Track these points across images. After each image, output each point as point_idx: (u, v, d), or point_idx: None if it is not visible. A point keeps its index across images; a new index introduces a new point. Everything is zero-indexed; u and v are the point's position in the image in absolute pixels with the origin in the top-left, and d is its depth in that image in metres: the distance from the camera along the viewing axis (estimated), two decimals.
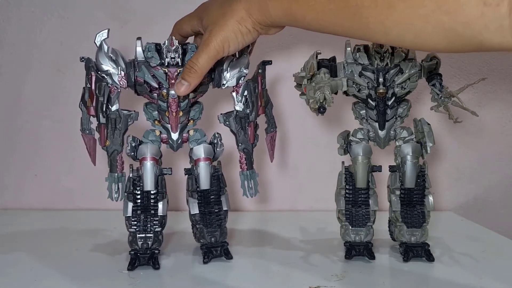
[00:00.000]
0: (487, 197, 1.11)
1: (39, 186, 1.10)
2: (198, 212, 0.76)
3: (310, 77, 0.75)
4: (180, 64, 0.72)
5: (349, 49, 0.76)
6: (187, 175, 0.78)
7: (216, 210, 0.77)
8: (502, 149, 1.08)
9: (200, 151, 0.75)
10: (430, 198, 0.77)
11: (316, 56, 0.75)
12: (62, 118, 1.07)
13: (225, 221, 0.78)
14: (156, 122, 0.76)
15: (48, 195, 1.10)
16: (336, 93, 0.76)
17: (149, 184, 0.73)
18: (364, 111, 0.77)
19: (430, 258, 0.75)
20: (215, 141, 0.76)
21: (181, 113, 0.74)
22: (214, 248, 0.76)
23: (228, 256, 0.76)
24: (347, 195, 0.78)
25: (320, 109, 0.70)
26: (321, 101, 0.70)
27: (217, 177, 0.77)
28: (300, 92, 0.77)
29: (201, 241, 0.77)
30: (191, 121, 0.76)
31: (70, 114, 1.05)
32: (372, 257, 0.76)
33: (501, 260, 0.78)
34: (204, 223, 0.77)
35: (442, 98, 0.74)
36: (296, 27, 0.68)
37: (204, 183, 0.75)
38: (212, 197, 0.77)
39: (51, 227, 0.96)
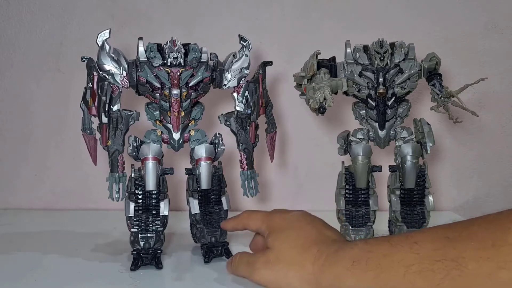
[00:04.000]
0: (487, 197, 1.11)
1: (39, 186, 1.10)
2: (199, 211, 0.76)
3: (310, 77, 0.75)
4: (182, 65, 0.73)
5: (349, 49, 0.76)
6: (187, 175, 0.78)
7: (216, 210, 0.77)
8: (502, 149, 1.08)
9: (202, 151, 0.75)
10: (430, 198, 0.77)
11: (316, 56, 0.75)
12: (62, 118, 1.07)
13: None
14: (157, 122, 0.76)
15: (48, 195, 1.10)
16: (336, 93, 0.76)
17: (151, 184, 0.73)
18: (364, 111, 0.77)
19: None
20: (216, 141, 0.77)
21: (183, 113, 0.74)
22: (215, 247, 0.77)
23: (228, 255, 0.76)
24: (347, 195, 0.78)
25: (320, 109, 0.70)
26: (321, 101, 0.70)
27: (217, 177, 0.77)
28: (300, 92, 0.78)
29: (202, 241, 0.77)
30: (192, 121, 0.76)
31: (70, 114, 1.05)
32: None
33: None
34: (205, 223, 0.77)
35: (442, 98, 0.74)
36: None
37: (205, 183, 0.75)
38: (212, 197, 0.77)
39: (51, 227, 0.96)
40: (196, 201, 0.77)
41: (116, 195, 0.73)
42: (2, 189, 1.11)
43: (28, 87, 1.08)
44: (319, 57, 0.76)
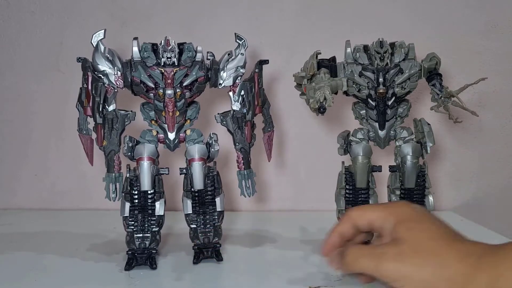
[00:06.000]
0: (487, 197, 1.11)
1: (39, 186, 1.10)
2: (191, 212, 0.76)
3: (310, 77, 0.75)
4: (176, 64, 0.73)
5: (349, 49, 0.76)
6: (182, 175, 0.78)
7: (211, 211, 0.77)
8: (502, 148, 1.08)
9: (194, 151, 0.75)
10: (430, 198, 0.77)
11: (316, 56, 0.75)
12: (62, 118, 1.07)
13: (220, 221, 0.78)
14: (153, 122, 0.76)
15: (48, 195, 1.10)
16: (336, 93, 0.76)
17: (146, 184, 0.73)
18: (364, 111, 0.77)
19: None
20: (211, 142, 0.76)
21: (177, 113, 0.74)
22: (206, 249, 0.76)
23: (218, 257, 0.76)
24: (347, 195, 0.78)
25: (320, 109, 0.70)
26: (321, 101, 0.70)
27: (212, 178, 0.77)
28: (300, 92, 0.78)
29: (194, 241, 0.77)
30: (188, 120, 0.76)
31: (70, 114, 1.05)
32: None
33: None
34: (198, 223, 0.77)
35: (442, 98, 0.74)
36: None
37: (198, 183, 0.75)
38: (207, 197, 0.77)
39: (51, 227, 0.96)
40: (190, 201, 0.76)
41: (113, 195, 0.74)
42: (2, 189, 1.11)
43: (28, 87, 1.08)
44: (319, 57, 0.76)
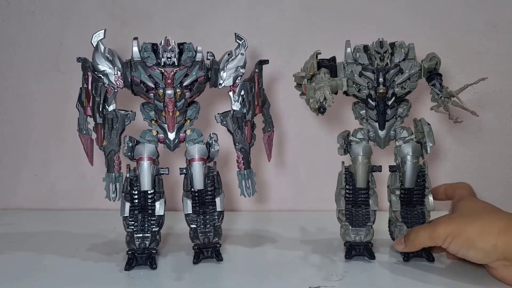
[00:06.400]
0: (487, 197, 1.10)
1: (39, 186, 1.10)
2: (191, 212, 0.76)
3: (310, 77, 0.75)
4: (176, 64, 0.73)
5: (349, 49, 0.76)
6: (181, 175, 0.78)
7: (211, 211, 0.77)
8: (502, 148, 1.08)
9: (194, 151, 0.75)
10: (430, 198, 0.77)
11: (316, 56, 0.75)
12: (62, 118, 1.07)
13: (220, 221, 0.78)
14: (153, 122, 0.76)
15: (48, 195, 1.10)
16: (336, 93, 0.76)
17: (146, 184, 0.73)
18: (364, 111, 0.77)
19: (430, 258, 0.75)
20: (211, 142, 0.76)
21: (177, 113, 0.74)
22: (206, 249, 0.76)
23: (218, 257, 0.76)
24: (347, 195, 0.78)
25: (320, 109, 0.70)
26: (321, 101, 0.70)
27: (212, 178, 0.77)
28: (300, 92, 0.78)
29: (194, 241, 0.77)
30: (188, 120, 0.76)
31: (70, 114, 1.05)
32: (372, 257, 0.76)
33: None
34: (198, 223, 0.77)
35: (442, 98, 0.74)
36: None
37: (198, 183, 0.75)
38: (207, 197, 0.77)
39: (51, 227, 0.96)
40: (190, 201, 0.76)
41: (113, 195, 0.74)
42: (2, 189, 1.11)
43: (28, 87, 1.08)
44: (319, 57, 0.76)
